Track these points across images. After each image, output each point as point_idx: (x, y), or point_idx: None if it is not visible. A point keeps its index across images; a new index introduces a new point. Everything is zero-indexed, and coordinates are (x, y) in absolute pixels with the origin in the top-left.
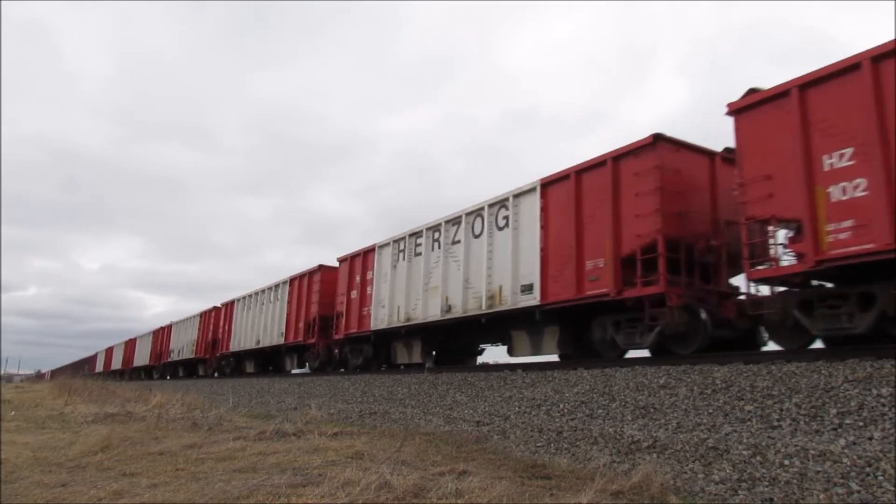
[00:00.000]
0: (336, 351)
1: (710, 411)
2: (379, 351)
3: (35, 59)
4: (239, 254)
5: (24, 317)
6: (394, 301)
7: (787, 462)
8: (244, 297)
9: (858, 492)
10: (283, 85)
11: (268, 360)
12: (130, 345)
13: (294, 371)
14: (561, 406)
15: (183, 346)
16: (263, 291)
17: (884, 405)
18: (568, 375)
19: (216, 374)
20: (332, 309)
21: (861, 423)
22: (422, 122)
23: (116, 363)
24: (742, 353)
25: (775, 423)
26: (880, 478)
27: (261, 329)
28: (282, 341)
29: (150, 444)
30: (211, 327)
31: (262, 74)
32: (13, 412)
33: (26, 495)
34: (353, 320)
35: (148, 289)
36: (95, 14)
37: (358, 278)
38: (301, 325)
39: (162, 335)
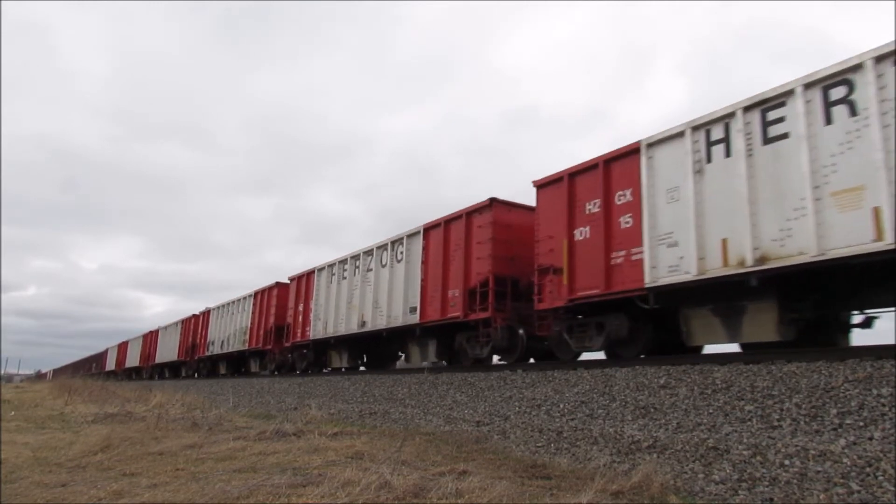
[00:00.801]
0: (545, 325)
1: (711, 411)
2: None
3: (33, 59)
4: (239, 254)
5: (24, 317)
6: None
7: (787, 462)
8: (331, 265)
9: (858, 492)
10: (283, 85)
11: (371, 350)
12: (150, 338)
13: (424, 364)
14: (561, 406)
15: (227, 337)
16: (370, 253)
17: (884, 405)
18: (568, 375)
19: (276, 372)
20: (518, 266)
21: (861, 423)
22: (421, 121)
23: (132, 360)
24: (742, 353)
25: (775, 423)
26: (880, 478)
27: (368, 306)
28: (414, 320)
29: (150, 444)
30: (273, 310)
31: (262, 74)
32: (13, 412)
33: (26, 495)
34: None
35: (147, 289)
36: (93, 14)
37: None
38: (457, 293)
39: (195, 325)
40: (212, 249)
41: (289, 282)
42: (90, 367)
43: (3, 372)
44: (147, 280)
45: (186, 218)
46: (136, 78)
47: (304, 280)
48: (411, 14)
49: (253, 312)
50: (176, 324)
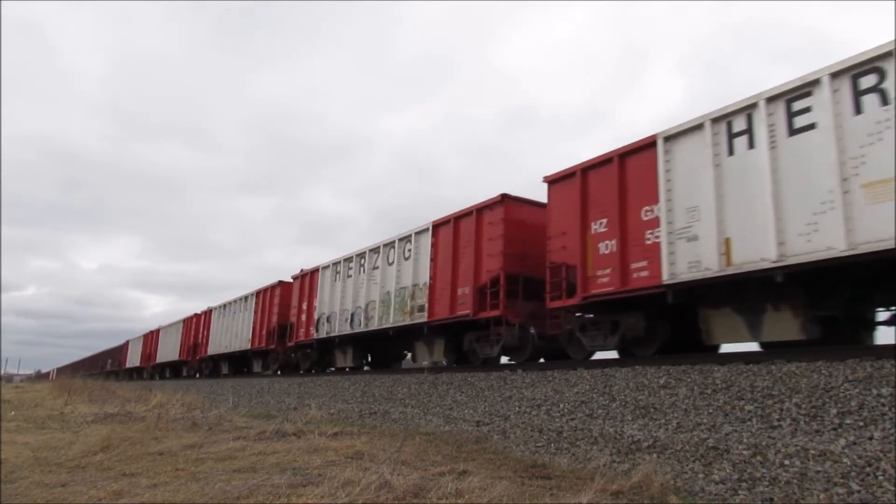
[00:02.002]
0: None
1: (710, 411)
2: None
3: (32, 59)
4: (238, 254)
5: (24, 317)
6: None
7: (787, 462)
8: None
9: (858, 492)
10: (282, 84)
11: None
12: (196, 324)
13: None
14: (561, 406)
15: (362, 308)
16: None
17: (884, 405)
18: (568, 375)
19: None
20: None
21: (861, 423)
22: (421, 121)
23: (167, 353)
24: (742, 353)
25: (775, 423)
26: (880, 478)
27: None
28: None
29: (150, 444)
30: (495, 247)
31: (261, 74)
32: (13, 412)
33: (26, 495)
34: None
35: (147, 288)
36: (92, 13)
37: None
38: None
39: (284, 298)
40: (211, 249)
41: (564, 177)
42: (104, 364)
43: (3, 372)
44: (147, 280)
45: (186, 218)
46: (136, 78)
47: (593, 177)
48: (411, 14)
49: (433, 259)
50: (244, 299)
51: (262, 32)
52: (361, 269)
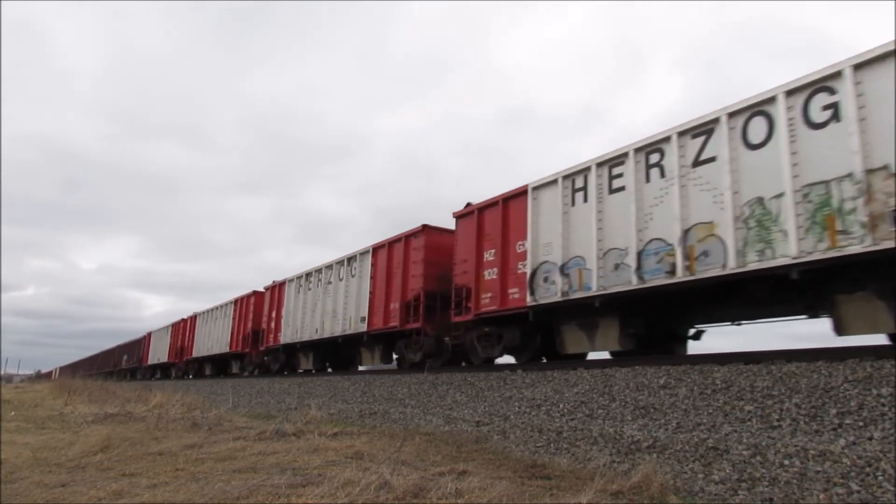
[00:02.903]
0: None
1: (710, 411)
2: None
3: (31, 59)
4: (238, 253)
5: (24, 317)
6: None
7: (787, 462)
8: None
9: (858, 492)
10: (281, 83)
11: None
12: (252, 306)
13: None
14: (561, 406)
15: (652, 246)
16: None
17: (884, 405)
18: (568, 375)
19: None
20: None
21: (861, 423)
22: (420, 120)
23: (208, 346)
24: (742, 353)
25: (775, 423)
26: (880, 478)
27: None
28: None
29: (149, 444)
30: None
31: (259, 73)
32: (13, 412)
33: (26, 495)
34: None
35: (146, 288)
36: (91, 13)
37: None
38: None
39: (421, 252)
40: (211, 249)
41: None
42: (118, 361)
43: (2, 372)
44: (146, 280)
45: (185, 218)
46: (134, 77)
47: None
48: (409, 13)
49: None
50: (344, 263)
51: (261, 32)
52: (656, 170)
